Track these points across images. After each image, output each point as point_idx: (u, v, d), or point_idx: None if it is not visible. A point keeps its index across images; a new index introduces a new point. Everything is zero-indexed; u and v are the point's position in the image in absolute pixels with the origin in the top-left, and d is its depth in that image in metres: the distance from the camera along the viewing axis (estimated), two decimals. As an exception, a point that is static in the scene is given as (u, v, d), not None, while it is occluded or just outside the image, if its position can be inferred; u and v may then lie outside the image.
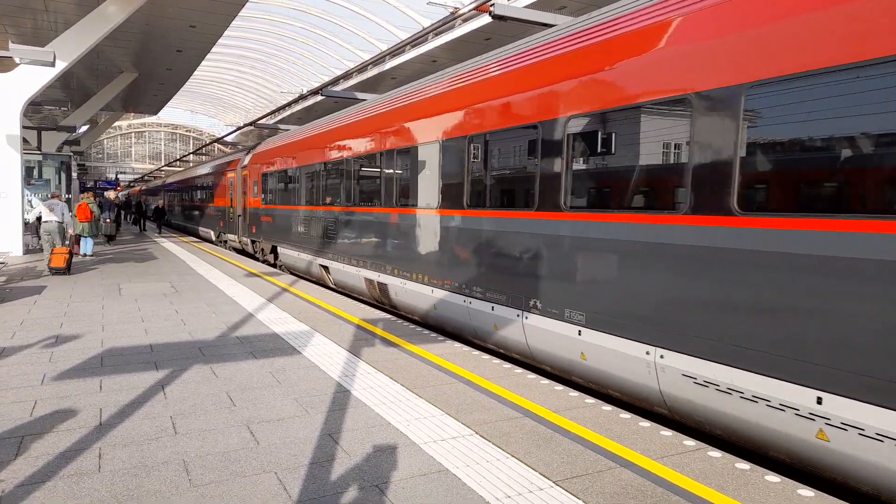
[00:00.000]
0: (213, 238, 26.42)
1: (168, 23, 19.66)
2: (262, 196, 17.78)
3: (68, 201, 19.69)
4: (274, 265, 17.34)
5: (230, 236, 23.08)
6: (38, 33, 20.51)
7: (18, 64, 15.42)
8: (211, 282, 12.33)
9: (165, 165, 74.88)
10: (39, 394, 5.11)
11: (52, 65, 14.11)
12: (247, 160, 20.22)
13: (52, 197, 15.64)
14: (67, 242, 14.35)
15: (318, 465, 3.82)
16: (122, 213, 33.04)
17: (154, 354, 6.48)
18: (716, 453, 4.11)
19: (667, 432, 4.48)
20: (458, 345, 7.15)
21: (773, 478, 3.74)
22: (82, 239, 17.21)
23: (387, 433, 4.38)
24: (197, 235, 30.42)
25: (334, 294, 11.04)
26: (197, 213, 30.51)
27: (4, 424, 4.40)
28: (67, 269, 13.10)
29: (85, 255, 17.10)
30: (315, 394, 5.24)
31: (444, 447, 4.14)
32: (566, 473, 3.77)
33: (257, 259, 19.03)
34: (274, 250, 17.07)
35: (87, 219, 17.26)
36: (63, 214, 14.54)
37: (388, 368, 6.07)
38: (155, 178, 70.50)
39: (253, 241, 19.44)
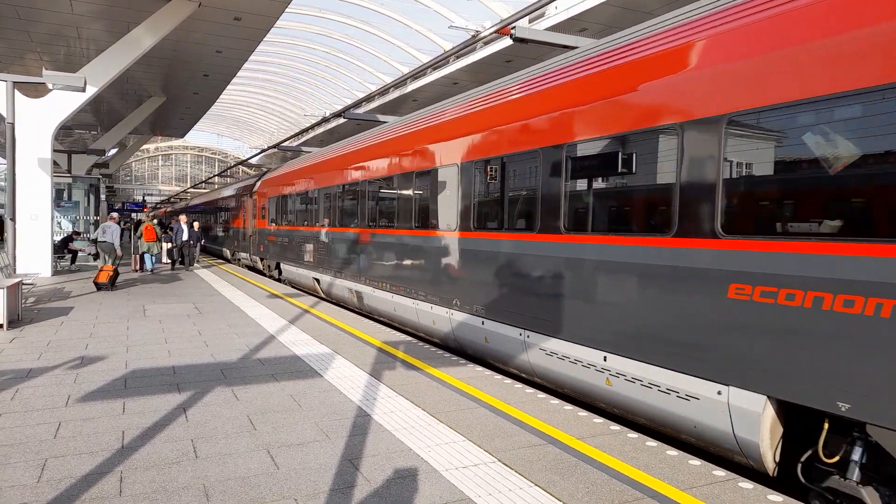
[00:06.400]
0: None
1: (195, 48, 20.13)
2: None
3: (96, 223, 20.46)
4: None
5: None
6: (71, 59, 21.15)
7: (51, 90, 15.83)
8: (234, 303, 12.41)
9: (191, 187, 75.99)
10: (64, 415, 5.14)
11: (83, 90, 14.42)
12: None
13: (110, 219, 17.02)
14: (118, 262, 15.74)
15: (338, 491, 3.77)
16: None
17: (177, 376, 6.51)
18: (747, 484, 3.97)
19: (695, 461, 4.35)
20: (479, 368, 7.07)
21: (808, 511, 3.60)
22: (146, 256, 19.26)
23: (407, 459, 4.31)
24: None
25: (356, 316, 11.03)
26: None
27: (29, 446, 4.42)
28: (111, 286, 14.25)
29: (148, 271, 19.03)
30: (336, 418, 5.21)
31: (466, 474, 4.06)
32: (591, 504, 3.67)
33: None
34: None
35: (152, 239, 19.40)
36: (114, 236, 15.83)
37: (410, 392, 6.02)
38: (181, 199, 71.53)
39: None
